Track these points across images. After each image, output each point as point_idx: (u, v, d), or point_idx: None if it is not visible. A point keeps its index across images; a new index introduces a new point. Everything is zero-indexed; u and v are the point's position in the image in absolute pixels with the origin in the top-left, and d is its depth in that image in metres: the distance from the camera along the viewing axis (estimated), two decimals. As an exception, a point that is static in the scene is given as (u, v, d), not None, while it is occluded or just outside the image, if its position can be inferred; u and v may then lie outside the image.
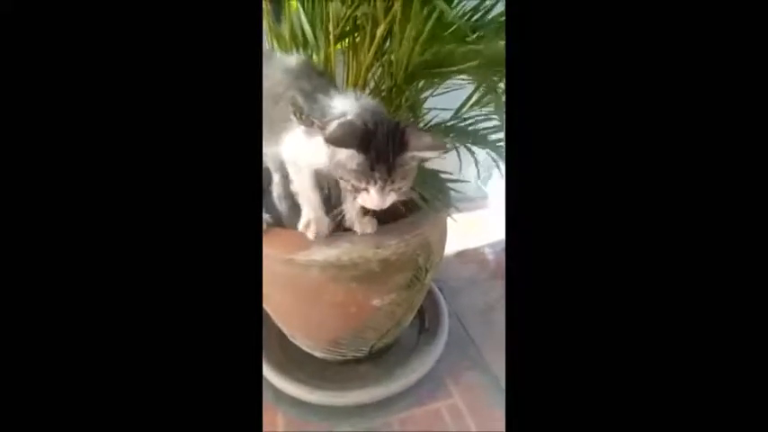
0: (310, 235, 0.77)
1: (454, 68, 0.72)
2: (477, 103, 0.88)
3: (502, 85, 0.77)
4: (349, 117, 0.64)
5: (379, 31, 0.73)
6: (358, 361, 1.03)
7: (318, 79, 0.72)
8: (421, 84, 0.83)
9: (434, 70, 0.75)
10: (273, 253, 0.80)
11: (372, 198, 0.64)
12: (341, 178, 0.66)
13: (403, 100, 0.83)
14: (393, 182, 0.63)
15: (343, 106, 0.66)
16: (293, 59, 0.76)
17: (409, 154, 0.62)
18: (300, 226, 0.78)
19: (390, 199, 0.65)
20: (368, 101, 0.68)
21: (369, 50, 0.77)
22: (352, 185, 0.64)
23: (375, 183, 0.63)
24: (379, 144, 0.61)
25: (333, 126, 0.62)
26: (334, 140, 0.61)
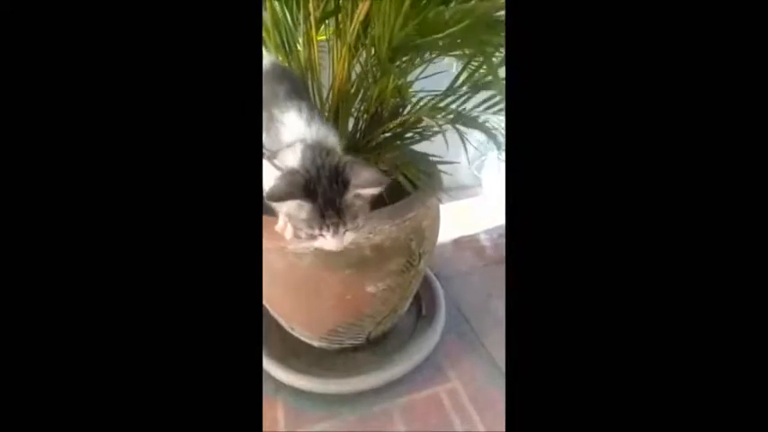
0: (287, 236, 0.75)
1: (442, 35, 0.67)
2: (469, 78, 0.84)
3: (499, 54, 0.73)
4: (292, 165, 0.62)
5: (362, 10, 0.72)
6: (356, 349, 1.03)
7: (276, 87, 0.69)
8: (407, 60, 0.80)
9: (420, 41, 0.71)
10: (265, 243, 0.79)
11: (329, 243, 0.64)
12: (295, 227, 0.66)
13: (389, 81, 0.81)
14: (345, 224, 0.63)
15: (295, 131, 0.65)
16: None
17: (351, 194, 0.62)
18: (277, 228, 0.76)
19: (348, 239, 0.65)
20: (319, 128, 0.66)
21: (352, 32, 0.75)
22: (306, 233, 0.64)
23: (328, 228, 0.63)
24: (325, 189, 0.61)
25: (273, 184, 0.60)
26: (278, 198, 0.60)
